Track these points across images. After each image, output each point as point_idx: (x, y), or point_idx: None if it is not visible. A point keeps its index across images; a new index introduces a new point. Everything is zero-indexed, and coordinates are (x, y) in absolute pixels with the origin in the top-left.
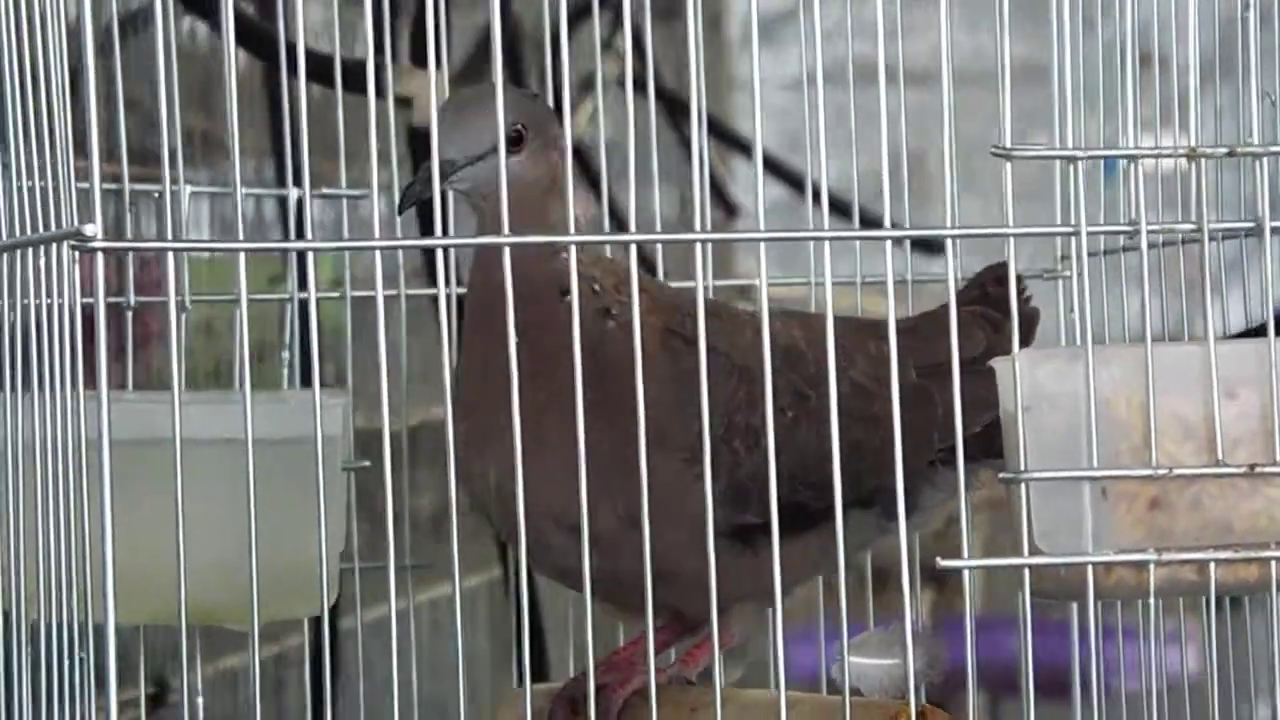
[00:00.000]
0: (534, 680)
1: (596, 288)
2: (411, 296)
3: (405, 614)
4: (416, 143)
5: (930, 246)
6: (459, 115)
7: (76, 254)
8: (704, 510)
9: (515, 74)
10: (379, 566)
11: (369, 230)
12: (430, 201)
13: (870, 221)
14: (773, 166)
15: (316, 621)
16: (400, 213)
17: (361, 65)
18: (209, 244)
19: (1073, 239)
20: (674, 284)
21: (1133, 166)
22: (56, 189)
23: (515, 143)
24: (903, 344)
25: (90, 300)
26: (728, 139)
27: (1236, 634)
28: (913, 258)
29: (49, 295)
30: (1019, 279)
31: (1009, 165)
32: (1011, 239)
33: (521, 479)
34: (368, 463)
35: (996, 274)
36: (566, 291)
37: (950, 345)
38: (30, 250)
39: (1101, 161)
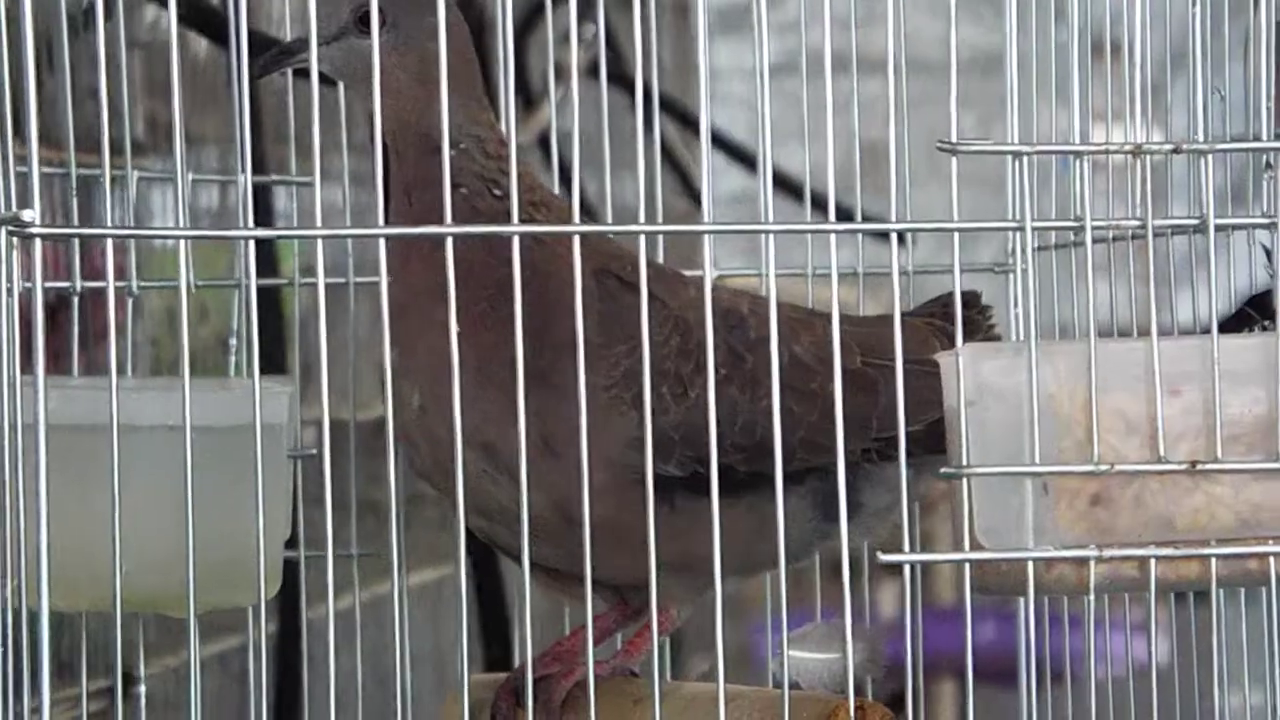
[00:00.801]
0: (501, 669)
1: (496, 192)
2: (368, 285)
3: (356, 604)
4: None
5: (888, 236)
6: None
7: (15, 240)
8: (621, 452)
9: (481, 63)
10: (323, 555)
11: (334, 219)
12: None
13: (826, 210)
14: (736, 153)
15: (282, 610)
16: (255, 79)
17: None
18: (149, 231)
19: (1018, 234)
20: None
21: (1079, 162)
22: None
23: (366, 23)
24: (854, 336)
25: (30, 285)
26: (693, 125)
27: (1203, 624)
28: (870, 247)
29: None
30: (978, 297)
31: (955, 160)
32: (956, 234)
33: (442, 401)
34: (314, 451)
35: (964, 299)
36: (460, 185)
37: (909, 343)
38: None
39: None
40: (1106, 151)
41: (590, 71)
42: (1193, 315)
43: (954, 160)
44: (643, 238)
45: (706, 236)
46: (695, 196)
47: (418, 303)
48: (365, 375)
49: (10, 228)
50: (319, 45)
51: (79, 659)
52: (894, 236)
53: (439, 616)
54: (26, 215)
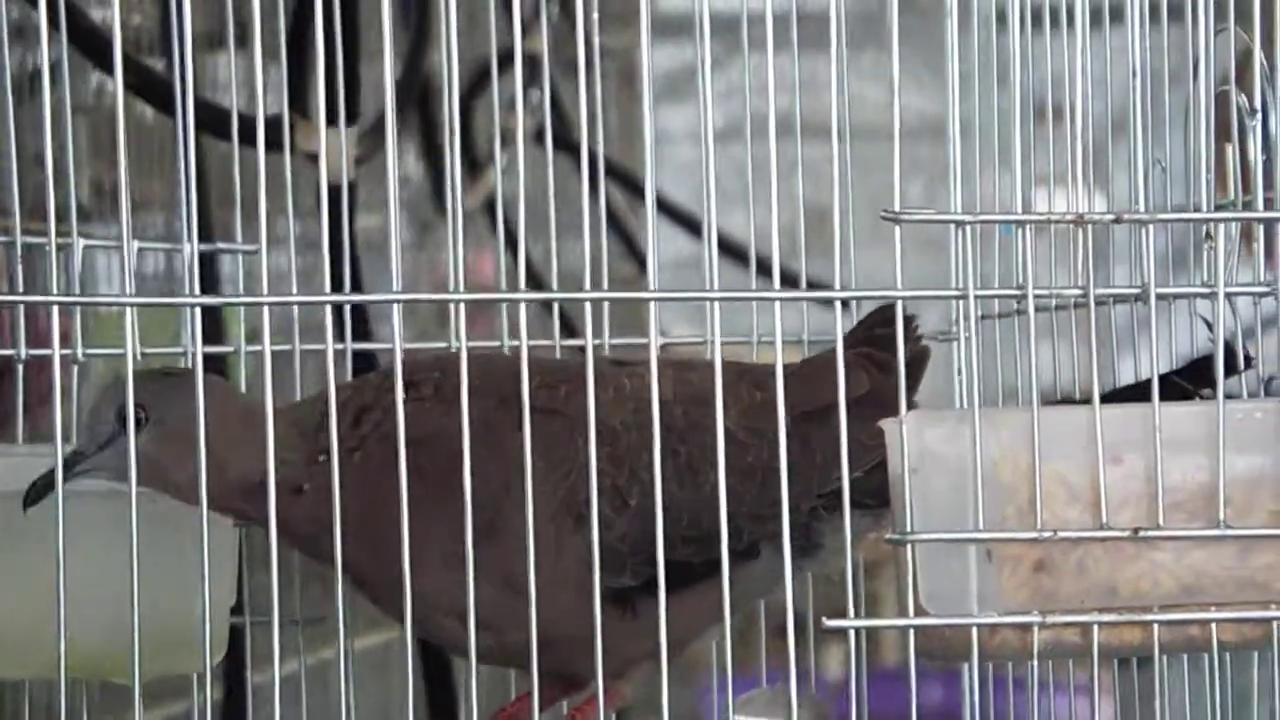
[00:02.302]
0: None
1: (321, 458)
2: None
3: (302, 669)
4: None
5: (833, 302)
6: (89, 406)
7: None
8: (577, 573)
9: (427, 128)
10: (267, 621)
11: (281, 284)
12: (335, 261)
13: (771, 275)
14: (681, 219)
15: (225, 675)
16: (25, 509)
17: (269, 121)
18: (96, 299)
19: (961, 303)
20: (571, 341)
21: (1022, 230)
22: None
23: (137, 424)
24: (782, 389)
25: None
26: (639, 191)
27: (1145, 688)
28: (814, 312)
29: None
30: (909, 316)
31: (898, 229)
32: (900, 301)
33: (411, 593)
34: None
35: (887, 315)
36: (300, 488)
37: (834, 387)
38: None
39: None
40: (1050, 221)
41: (535, 137)
42: (1135, 380)
43: (897, 229)
44: (588, 305)
45: (651, 304)
46: (641, 261)
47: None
48: None
49: None
50: (94, 453)
51: None
52: (838, 304)
53: (384, 681)
54: None
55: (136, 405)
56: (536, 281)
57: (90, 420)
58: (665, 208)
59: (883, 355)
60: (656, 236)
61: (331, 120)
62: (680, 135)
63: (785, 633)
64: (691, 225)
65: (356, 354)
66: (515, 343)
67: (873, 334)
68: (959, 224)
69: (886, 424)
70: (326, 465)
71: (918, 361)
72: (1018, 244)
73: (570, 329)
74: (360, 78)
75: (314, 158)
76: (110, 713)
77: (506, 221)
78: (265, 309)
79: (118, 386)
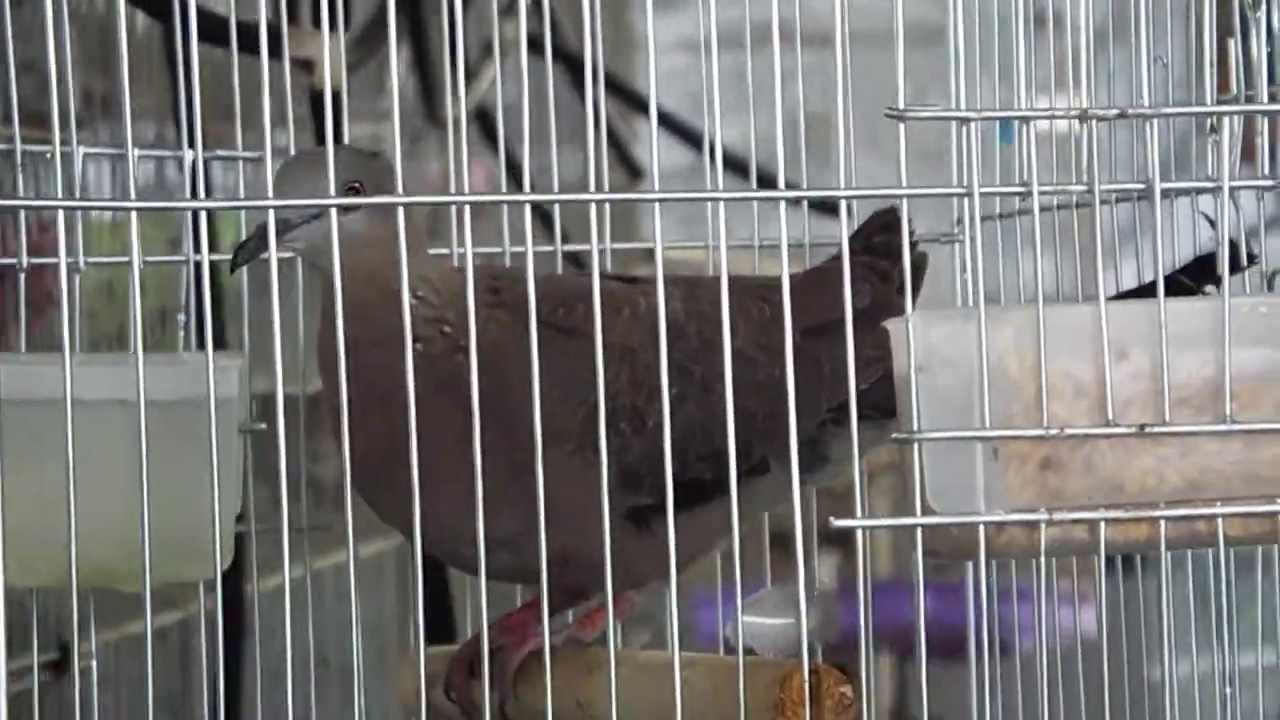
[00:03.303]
0: (440, 642)
1: (446, 329)
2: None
3: (308, 577)
4: (318, 107)
5: (830, 208)
6: (296, 173)
7: None
8: (596, 497)
9: (416, 37)
10: (275, 529)
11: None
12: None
13: (770, 183)
14: (675, 128)
15: (224, 584)
16: (232, 273)
17: (256, 28)
18: (100, 203)
19: (965, 200)
20: (573, 246)
21: (1025, 128)
22: None
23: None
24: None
25: None
26: (630, 99)
27: (1130, 595)
28: (813, 220)
29: None
30: (898, 216)
31: (903, 126)
32: (905, 200)
33: (436, 515)
34: (264, 425)
35: (884, 220)
36: (416, 339)
37: (840, 301)
38: None
39: (997, 126)
40: (1053, 116)
41: (529, 46)
42: (1127, 282)
43: (901, 127)
44: (593, 208)
45: (655, 205)
46: (634, 170)
47: (386, 457)
48: (311, 350)
49: None
50: (301, 225)
51: (23, 633)
52: (844, 205)
53: (378, 590)
54: None
55: (354, 183)
56: (521, 186)
57: (304, 190)
58: (660, 117)
59: (883, 264)
60: (657, 141)
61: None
62: (672, 43)
63: (775, 542)
64: (686, 134)
65: None
66: (518, 248)
67: (871, 242)
68: (963, 120)
69: (891, 324)
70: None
71: (916, 268)
72: (1021, 143)
73: (565, 237)
74: None
75: (304, 64)
76: (103, 621)
77: (497, 130)
78: (270, 214)
79: (337, 159)
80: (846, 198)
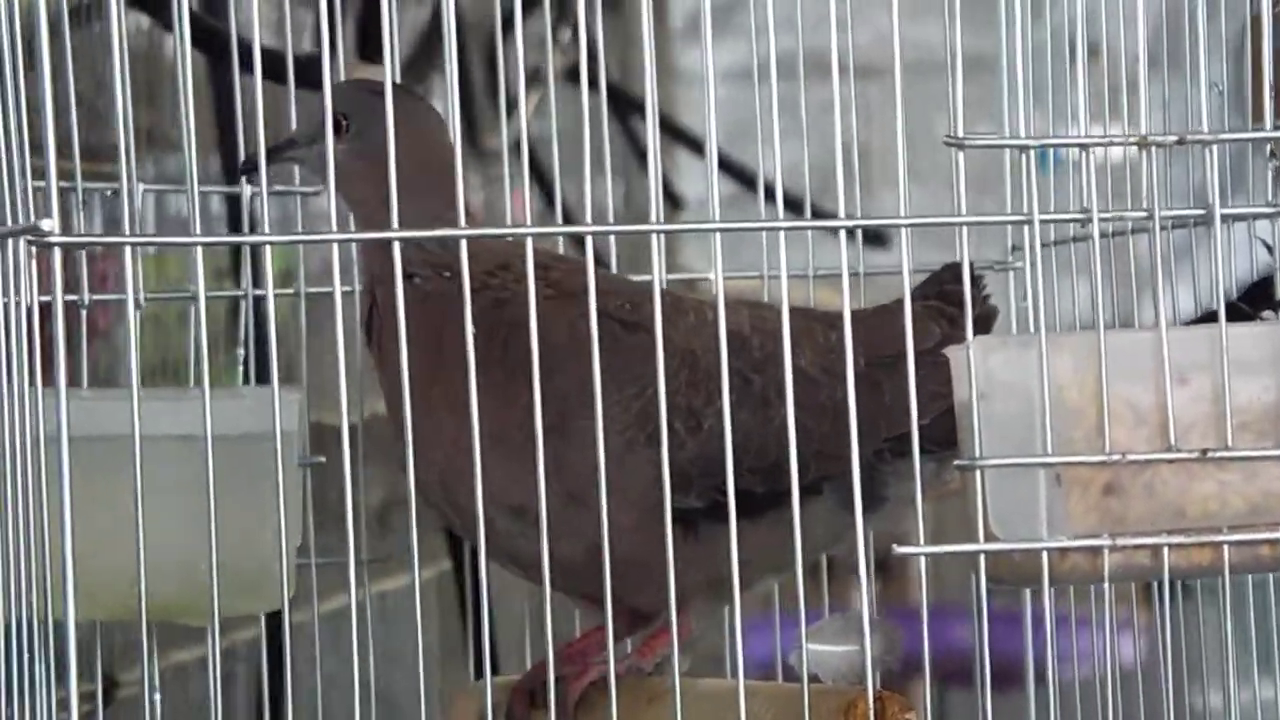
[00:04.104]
0: (482, 672)
1: (447, 274)
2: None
3: (354, 607)
4: None
5: (879, 239)
6: (308, 99)
7: (33, 250)
8: (643, 492)
9: (461, 67)
10: (336, 561)
11: (319, 225)
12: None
13: (819, 214)
14: (719, 159)
15: (271, 615)
16: (242, 174)
17: (308, 60)
18: (166, 239)
19: (1025, 227)
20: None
21: (1083, 155)
22: (9, 185)
23: (336, 131)
24: (853, 335)
25: (47, 298)
26: (673, 131)
27: (1186, 622)
28: (863, 251)
29: (3, 294)
30: (977, 275)
31: (960, 154)
32: (963, 228)
33: (463, 473)
34: (323, 459)
35: (955, 271)
36: (410, 276)
37: (903, 335)
38: None
39: (1042, 155)
40: (1111, 143)
41: (566, 75)
42: (1182, 309)
43: (959, 154)
44: (653, 238)
45: (715, 235)
46: (676, 201)
47: (421, 388)
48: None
49: (29, 238)
50: (302, 146)
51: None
52: (904, 233)
53: (422, 621)
54: (46, 225)
55: (339, 113)
56: (569, 218)
57: (303, 113)
58: (695, 145)
59: (952, 309)
60: (715, 172)
61: (366, 58)
62: (715, 73)
63: (813, 571)
64: (726, 164)
65: None
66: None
67: (942, 289)
68: (1022, 148)
69: (952, 351)
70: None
71: (984, 320)
72: (1076, 170)
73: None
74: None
75: None
76: (159, 652)
77: (537, 160)
78: (334, 247)
79: (337, 91)
80: (904, 225)
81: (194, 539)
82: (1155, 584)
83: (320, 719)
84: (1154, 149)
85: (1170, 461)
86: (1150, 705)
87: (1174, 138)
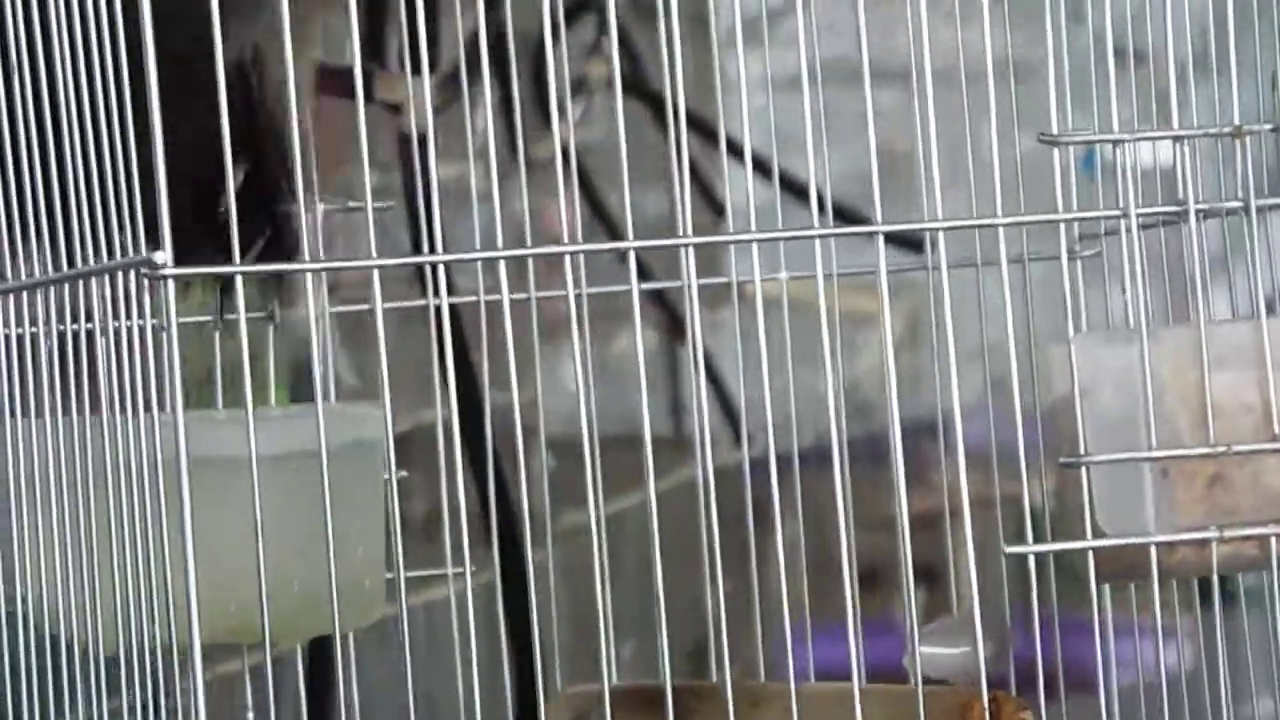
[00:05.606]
0: (523, 684)
1: None
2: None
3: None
4: (405, 149)
5: (908, 242)
6: None
7: (146, 281)
8: None
9: (503, 78)
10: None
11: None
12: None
13: (854, 220)
14: (759, 166)
15: None
16: None
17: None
18: (346, 263)
19: (1068, 226)
20: (662, 284)
21: (1178, 147)
22: (120, 215)
23: None
24: None
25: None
26: (713, 138)
27: (1231, 629)
28: (895, 256)
29: (117, 320)
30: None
31: (1056, 151)
32: (1063, 225)
33: None
34: (405, 473)
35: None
36: None
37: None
38: (96, 278)
39: (1087, 158)
40: (1206, 135)
41: (609, 85)
42: (1222, 306)
43: (1056, 151)
44: (683, 251)
45: (754, 245)
46: (718, 209)
47: None
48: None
49: (143, 270)
50: None
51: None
52: (1000, 231)
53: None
54: (159, 258)
55: None
56: (613, 231)
57: None
58: (740, 153)
59: None
60: (752, 181)
61: (415, 69)
62: (756, 80)
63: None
64: (768, 172)
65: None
66: (594, 289)
67: None
68: (1118, 142)
69: (1054, 348)
70: None
71: None
72: (1177, 160)
73: (645, 274)
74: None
75: (393, 108)
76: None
77: (582, 171)
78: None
79: None
80: (1007, 224)
81: (283, 558)
82: (1197, 588)
83: None
84: (1248, 138)
85: (1276, 452)
86: (1195, 711)
87: (1269, 126)
